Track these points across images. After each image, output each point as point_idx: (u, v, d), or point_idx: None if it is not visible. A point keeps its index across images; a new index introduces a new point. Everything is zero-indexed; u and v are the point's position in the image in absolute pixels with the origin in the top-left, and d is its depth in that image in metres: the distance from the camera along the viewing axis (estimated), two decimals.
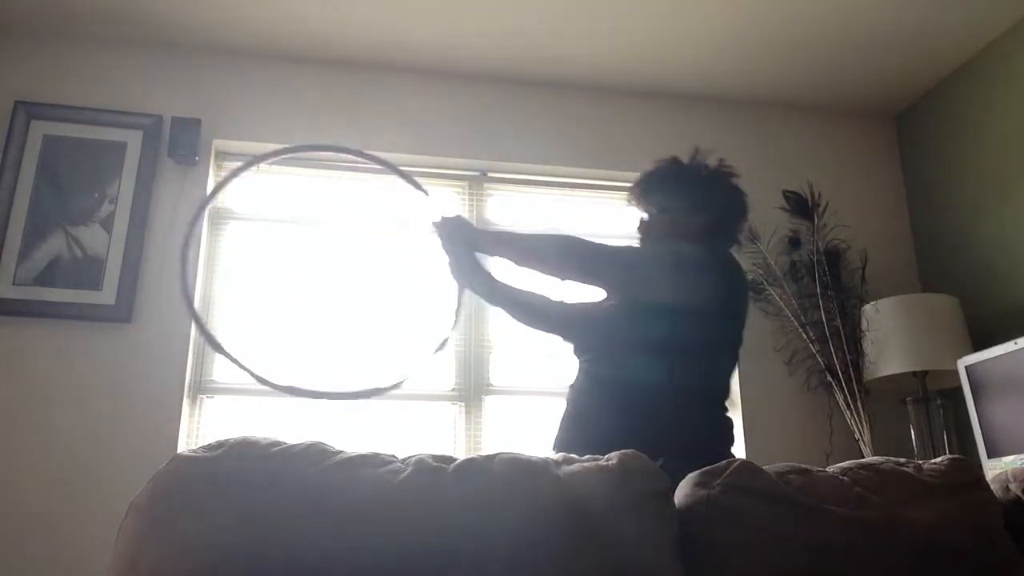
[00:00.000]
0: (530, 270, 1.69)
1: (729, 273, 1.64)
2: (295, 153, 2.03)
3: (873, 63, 3.06)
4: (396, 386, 1.76)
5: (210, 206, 1.87)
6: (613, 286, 1.66)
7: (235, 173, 1.79)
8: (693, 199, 1.71)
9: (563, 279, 1.69)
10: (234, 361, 1.67)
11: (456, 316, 1.81)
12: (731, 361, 1.69)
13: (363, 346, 2.81)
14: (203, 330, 1.86)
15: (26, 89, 2.75)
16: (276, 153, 1.86)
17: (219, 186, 1.84)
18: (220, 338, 1.78)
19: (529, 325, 1.83)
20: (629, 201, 1.82)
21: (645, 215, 1.78)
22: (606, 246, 1.66)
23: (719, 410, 1.65)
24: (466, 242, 1.75)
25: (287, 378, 1.75)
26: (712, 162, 1.76)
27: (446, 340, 1.78)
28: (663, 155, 1.81)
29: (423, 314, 2.88)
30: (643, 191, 1.78)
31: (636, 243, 1.80)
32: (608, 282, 1.66)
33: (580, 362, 1.73)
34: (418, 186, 1.85)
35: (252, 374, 1.65)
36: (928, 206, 3.22)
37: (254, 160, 1.82)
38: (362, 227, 2.97)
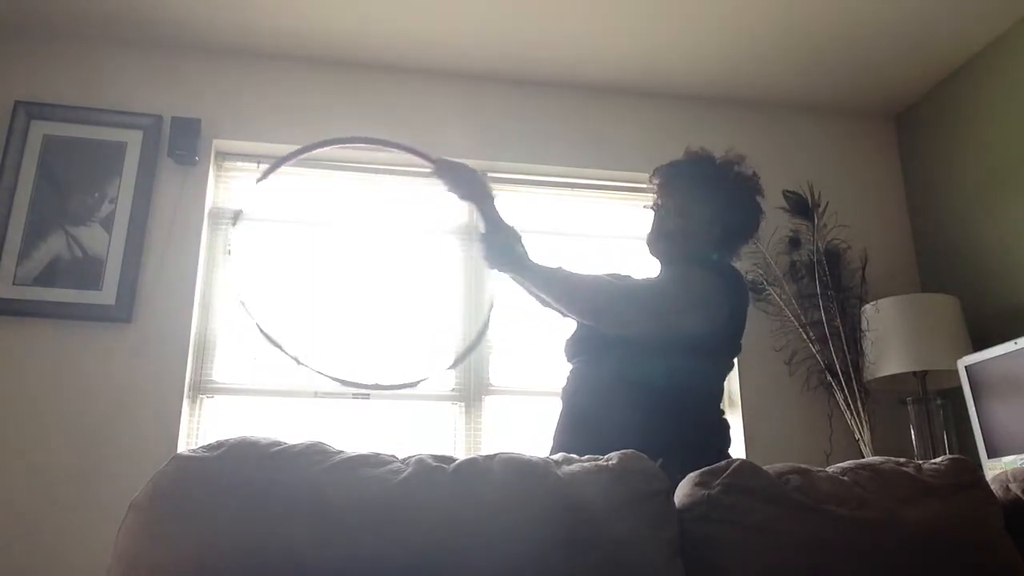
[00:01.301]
0: (548, 302, 1.65)
1: (735, 291, 1.65)
2: (363, 145, 2.03)
3: (873, 63, 3.05)
4: (417, 383, 1.74)
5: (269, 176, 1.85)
6: (637, 331, 1.59)
7: (298, 153, 1.81)
8: (713, 210, 1.69)
9: (578, 319, 1.64)
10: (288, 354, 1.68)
11: (484, 329, 1.78)
12: (729, 365, 1.70)
13: (365, 346, 2.81)
14: (263, 331, 1.81)
15: (26, 89, 2.75)
16: (338, 141, 1.88)
17: (288, 157, 1.83)
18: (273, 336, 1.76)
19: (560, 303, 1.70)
20: (650, 181, 1.79)
21: (661, 206, 1.74)
22: (629, 290, 1.62)
23: (717, 411, 1.66)
24: (506, 261, 1.68)
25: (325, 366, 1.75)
26: (744, 169, 1.73)
27: (471, 349, 1.75)
28: (662, 156, 1.80)
29: (427, 315, 2.88)
30: (667, 180, 1.75)
31: (647, 236, 1.77)
32: (633, 330, 1.59)
33: (573, 364, 1.73)
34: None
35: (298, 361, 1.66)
36: (928, 206, 3.21)
37: (327, 143, 1.84)
38: (367, 227, 2.97)
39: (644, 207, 1.79)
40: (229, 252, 1.73)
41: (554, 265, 1.64)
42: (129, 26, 2.80)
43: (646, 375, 1.56)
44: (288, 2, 2.70)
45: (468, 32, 2.87)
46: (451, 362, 1.78)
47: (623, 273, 1.81)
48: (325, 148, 1.92)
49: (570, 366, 1.73)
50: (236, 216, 1.78)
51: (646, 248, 1.78)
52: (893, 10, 2.75)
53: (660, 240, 1.75)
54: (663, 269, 1.77)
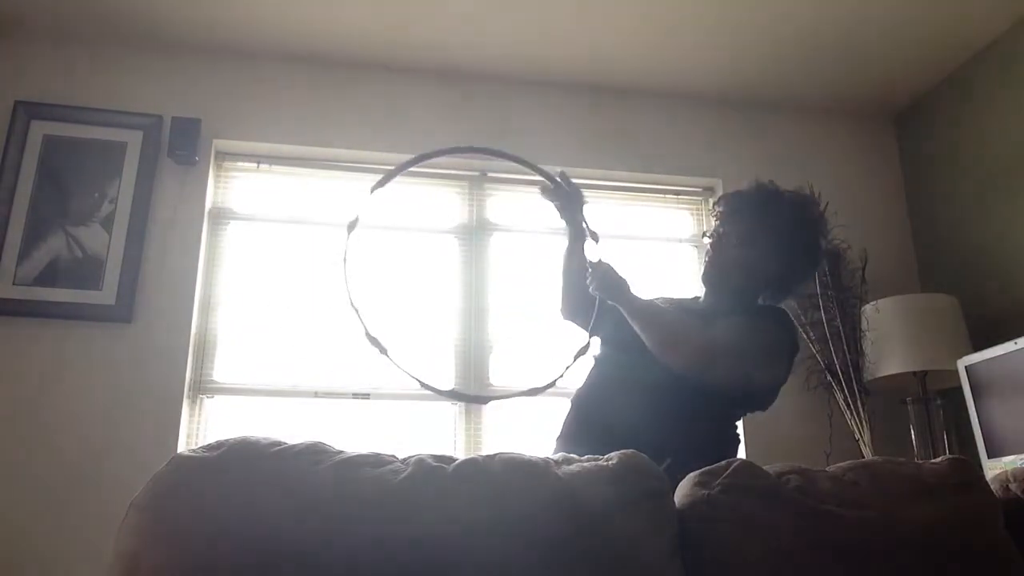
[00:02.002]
0: (642, 334, 1.60)
1: (795, 341, 1.67)
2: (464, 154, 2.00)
3: (873, 63, 3.05)
4: (552, 384, 1.68)
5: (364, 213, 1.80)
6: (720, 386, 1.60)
7: (391, 175, 1.78)
8: (774, 244, 1.67)
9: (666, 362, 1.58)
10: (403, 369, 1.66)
11: (592, 328, 1.74)
12: (769, 396, 1.73)
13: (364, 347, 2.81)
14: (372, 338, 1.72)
15: (26, 89, 2.75)
16: (441, 152, 1.86)
17: (384, 180, 1.79)
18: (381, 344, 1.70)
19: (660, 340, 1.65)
20: (713, 209, 1.78)
21: (723, 234, 1.72)
22: (726, 347, 1.57)
23: (735, 428, 1.72)
24: (617, 294, 1.64)
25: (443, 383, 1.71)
26: (813, 210, 1.74)
27: (586, 347, 1.73)
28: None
29: (424, 315, 2.88)
30: (732, 209, 1.73)
31: (706, 262, 1.75)
32: (717, 386, 1.59)
33: (594, 357, 1.73)
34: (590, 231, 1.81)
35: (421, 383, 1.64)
36: (928, 206, 3.21)
37: (420, 158, 1.81)
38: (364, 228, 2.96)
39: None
40: (344, 260, 1.70)
41: (650, 304, 1.63)
42: (129, 26, 2.80)
43: (656, 374, 1.56)
44: (288, 3, 2.70)
45: (467, 32, 2.87)
46: (573, 354, 1.73)
47: (668, 297, 1.82)
48: (442, 157, 1.88)
49: (591, 362, 1.72)
50: (352, 224, 1.75)
51: (701, 274, 1.76)
52: (893, 10, 2.75)
53: (715, 267, 1.72)
54: (716, 299, 1.73)
